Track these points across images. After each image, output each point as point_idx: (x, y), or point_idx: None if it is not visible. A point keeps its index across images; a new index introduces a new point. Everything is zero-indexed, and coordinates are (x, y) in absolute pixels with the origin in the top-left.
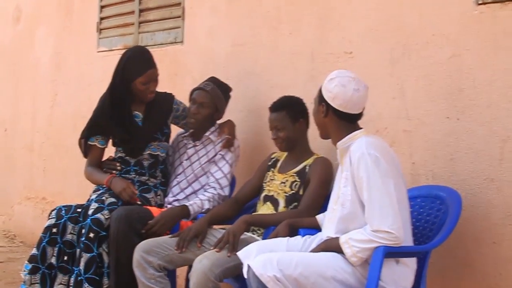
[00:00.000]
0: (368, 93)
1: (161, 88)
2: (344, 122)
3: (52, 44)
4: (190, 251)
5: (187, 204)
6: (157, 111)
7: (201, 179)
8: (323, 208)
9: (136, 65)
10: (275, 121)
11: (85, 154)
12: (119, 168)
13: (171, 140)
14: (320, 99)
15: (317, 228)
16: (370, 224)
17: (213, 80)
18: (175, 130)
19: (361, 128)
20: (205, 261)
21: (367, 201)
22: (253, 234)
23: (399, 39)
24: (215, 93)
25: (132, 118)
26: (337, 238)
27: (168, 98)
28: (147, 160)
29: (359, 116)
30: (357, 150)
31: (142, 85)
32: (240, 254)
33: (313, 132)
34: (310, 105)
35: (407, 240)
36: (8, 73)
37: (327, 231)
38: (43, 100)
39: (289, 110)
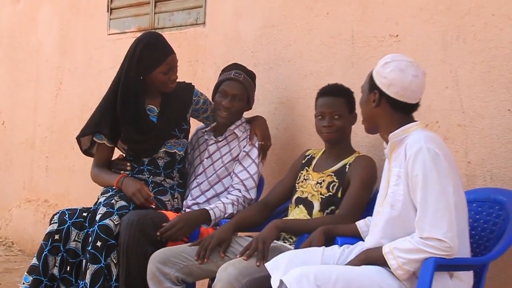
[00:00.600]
0: (425, 81)
1: (180, 76)
2: (398, 113)
3: (56, 26)
4: (212, 261)
5: (207, 208)
6: (175, 104)
7: (224, 181)
8: (365, 213)
9: (154, 54)
10: (333, 106)
11: (86, 152)
12: (129, 168)
13: (190, 136)
14: (372, 86)
15: (357, 237)
16: (420, 230)
17: (240, 67)
18: (194, 125)
19: (416, 121)
20: (231, 269)
21: (420, 203)
22: (284, 242)
23: (453, 20)
24: (247, 83)
25: (147, 116)
26: (379, 248)
27: (187, 89)
28: (163, 159)
29: (415, 107)
30: (415, 144)
31: (163, 75)
32: (268, 265)
33: (352, 127)
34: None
35: (464, 251)
36: (7, 58)
37: (372, 237)
38: (46, 89)
39: (347, 98)
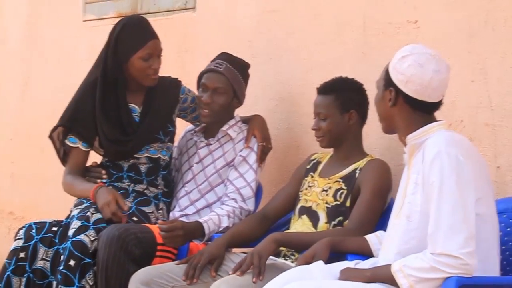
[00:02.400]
0: (449, 75)
1: (166, 68)
2: (418, 113)
3: (24, 11)
4: (203, 282)
5: (200, 220)
6: (159, 103)
7: (217, 189)
8: (377, 226)
9: (133, 36)
10: (319, 106)
11: (63, 159)
12: (105, 176)
13: (177, 139)
14: (388, 82)
15: (366, 252)
16: (433, 244)
17: (225, 57)
18: (180, 125)
19: (439, 120)
20: (223, 286)
21: (433, 214)
22: (286, 259)
23: (481, 4)
24: (230, 74)
25: (130, 112)
26: (387, 265)
27: (173, 85)
28: (145, 164)
29: (437, 105)
30: (433, 147)
31: (142, 61)
32: None
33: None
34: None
35: (492, 269)
36: None
37: (386, 253)
38: (12, 84)
39: (339, 95)
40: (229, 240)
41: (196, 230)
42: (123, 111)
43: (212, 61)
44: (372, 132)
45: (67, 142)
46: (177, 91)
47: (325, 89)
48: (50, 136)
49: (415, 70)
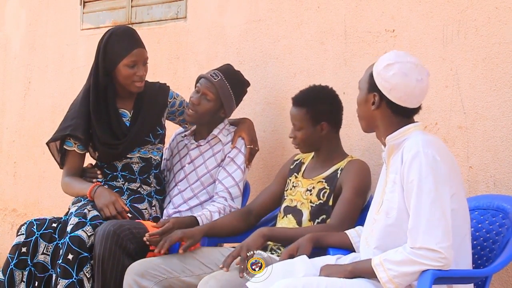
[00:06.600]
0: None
1: (159, 74)
2: (398, 117)
3: (25, 20)
4: (194, 274)
5: (195, 215)
6: (149, 108)
7: (209, 188)
8: (357, 222)
9: (118, 45)
10: (293, 118)
11: (61, 163)
12: (100, 176)
13: (168, 141)
14: (372, 87)
15: (347, 246)
16: (413, 239)
17: (224, 69)
18: (169, 128)
19: (415, 122)
20: (212, 282)
21: (413, 210)
22: (272, 253)
23: (453, 14)
24: (221, 87)
25: (120, 117)
26: (368, 260)
27: (162, 90)
28: (138, 164)
29: (417, 110)
30: (412, 148)
31: (128, 68)
32: (250, 284)
33: (344, 129)
34: (343, 96)
35: (464, 263)
36: None
37: (366, 247)
38: (14, 89)
39: (310, 108)
40: (209, 227)
41: (190, 224)
42: (113, 117)
43: (214, 69)
44: (353, 134)
45: (64, 146)
46: (166, 96)
47: (297, 102)
48: (48, 144)
49: (400, 79)
